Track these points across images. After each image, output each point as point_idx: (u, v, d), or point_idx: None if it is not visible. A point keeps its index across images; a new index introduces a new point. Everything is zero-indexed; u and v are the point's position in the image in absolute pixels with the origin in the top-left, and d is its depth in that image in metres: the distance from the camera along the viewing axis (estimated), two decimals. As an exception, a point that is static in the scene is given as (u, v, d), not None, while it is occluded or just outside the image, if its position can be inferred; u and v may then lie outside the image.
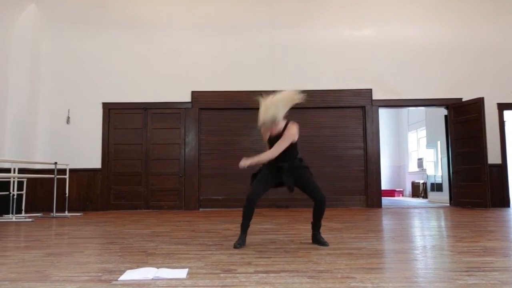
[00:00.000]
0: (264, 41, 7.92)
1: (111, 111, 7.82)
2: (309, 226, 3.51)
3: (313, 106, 7.49)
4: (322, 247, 3.22)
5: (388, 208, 7.47)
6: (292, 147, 3.32)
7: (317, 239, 3.34)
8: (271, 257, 2.81)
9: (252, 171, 3.43)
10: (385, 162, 11.91)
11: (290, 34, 7.92)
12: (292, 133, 3.31)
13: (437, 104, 7.94)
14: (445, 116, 8.18)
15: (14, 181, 6.22)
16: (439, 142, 9.43)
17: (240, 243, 3.20)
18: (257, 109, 3.30)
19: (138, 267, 2.50)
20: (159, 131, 7.82)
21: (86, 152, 7.65)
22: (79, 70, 7.86)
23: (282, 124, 3.33)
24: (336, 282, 2.11)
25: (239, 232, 3.35)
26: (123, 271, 2.38)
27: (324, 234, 3.95)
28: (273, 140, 3.35)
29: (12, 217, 5.86)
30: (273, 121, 3.23)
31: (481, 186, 7.12)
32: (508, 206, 7.46)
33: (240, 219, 3.36)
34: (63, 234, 4.30)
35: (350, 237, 3.73)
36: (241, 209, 3.39)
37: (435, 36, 7.90)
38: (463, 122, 7.56)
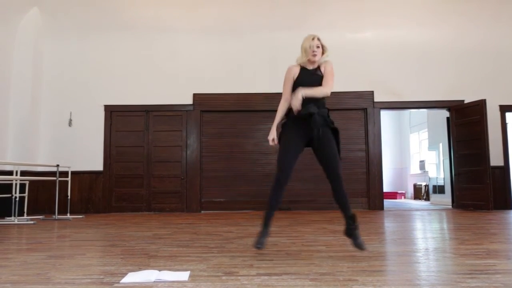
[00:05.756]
0: (265, 43, 7.93)
1: (113, 113, 7.84)
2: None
3: (315, 108, 7.49)
4: (326, 250, 3.20)
5: (390, 211, 7.45)
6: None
7: (351, 234, 2.81)
8: (273, 260, 2.81)
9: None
10: (387, 164, 11.89)
11: (292, 37, 7.87)
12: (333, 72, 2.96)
13: (439, 106, 7.93)
14: (447, 118, 8.17)
15: (16, 184, 6.23)
16: (441, 144, 9.42)
17: (261, 243, 2.79)
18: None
19: (140, 269, 2.50)
20: (161, 133, 7.83)
21: (88, 154, 7.66)
22: (81, 72, 7.88)
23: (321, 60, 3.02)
24: (338, 285, 2.11)
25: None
26: (125, 274, 2.37)
27: (326, 236, 3.95)
28: (305, 80, 2.92)
29: (14, 220, 5.86)
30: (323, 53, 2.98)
31: (484, 188, 7.10)
32: (511, 208, 7.43)
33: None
34: (65, 236, 4.30)
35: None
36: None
37: (436, 38, 7.89)
38: (465, 124, 7.55)
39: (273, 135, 2.95)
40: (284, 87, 3.01)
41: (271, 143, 2.95)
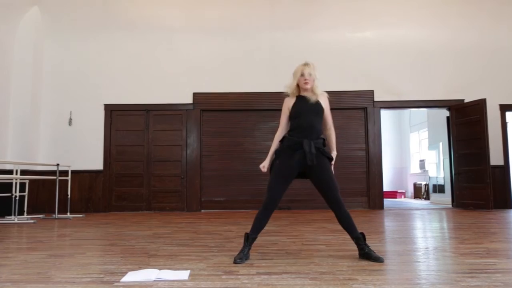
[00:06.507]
0: (265, 43, 7.93)
1: (113, 112, 7.83)
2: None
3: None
4: (326, 249, 3.20)
5: (390, 210, 7.46)
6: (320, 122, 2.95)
7: (365, 254, 2.73)
8: (273, 259, 2.81)
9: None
10: (387, 163, 11.89)
11: (292, 36, 7.93)
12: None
13: (439, 105, 7.93)
14: (447, 117, 8.17)
15: (16, 183, 6.24)
16: (441, 144, 9.42)
17: (242, 258, 2.70)
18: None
19: (140, 268, 2.51)
20: (161, 132, 7.83)
21: (88, 153, 7.66)
22: (81, 72, 7.88)
23: (317, 91, 2.95)
24: (338, 284, 2.11)
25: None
26: (125, 273, 2.38)
27: (327, 236, 3.95)
28: (303, 106, 2.88)
29: (14, 219, 5.87)
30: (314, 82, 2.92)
31: (484, 187, 7.09)
32: (511, 207, 7.43)
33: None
34: (65, 235, 4.31)
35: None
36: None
37: (437, 38, 7.89)
38: (465, 124, 7.54)
39: (266, 163, 2.94)
40: (281, 118, 3.00)
41: (262, 170, 2.93)
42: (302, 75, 2.89)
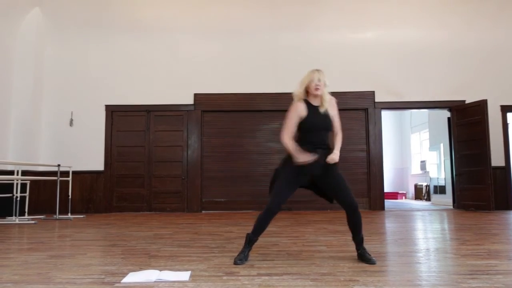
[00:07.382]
0: (266, 43, 7.92)
1: (114, 113, 7.84)
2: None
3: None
4: (327, 250, 3.20)
5: (391, 211, 7.45)
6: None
7: (361, 256, 2.77)
8: (273, 260, 2.81)
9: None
10: (388, 164, 11.86)
11: (293, 37, 7.93)
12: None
13: (440, 106, 7.92)
14: (448, 118, 8.15)
15: (17, 183, 6.24)
16: (442, 144, 9.40)
17: (242, 259, 2.71)
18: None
19: (140, 269, 2.51)
20: (162, 133, 7.83)
21: (89, 154, 7.66)
22: (82, 72, 7.88)
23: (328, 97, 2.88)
24: (339, 285, 2.11)
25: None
26: (126, 274, 2.38)
27: (328, 237, 3.95)
28: (317, 121, 2.82)
29: (15, 219, 5.87)
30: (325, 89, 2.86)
31: (485, 188, 7.08)
32: (512, 208, 7.43)
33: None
34: (66, 236, 4.31)
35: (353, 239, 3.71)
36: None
37: (438, 38, 7.88)
38: (466, 124, 7.53)
39: (300, 156, 2.75)
40: (289, 123, 2.85)
41: (306, 159, 2.74)
42: (313, 80, 2.82)
